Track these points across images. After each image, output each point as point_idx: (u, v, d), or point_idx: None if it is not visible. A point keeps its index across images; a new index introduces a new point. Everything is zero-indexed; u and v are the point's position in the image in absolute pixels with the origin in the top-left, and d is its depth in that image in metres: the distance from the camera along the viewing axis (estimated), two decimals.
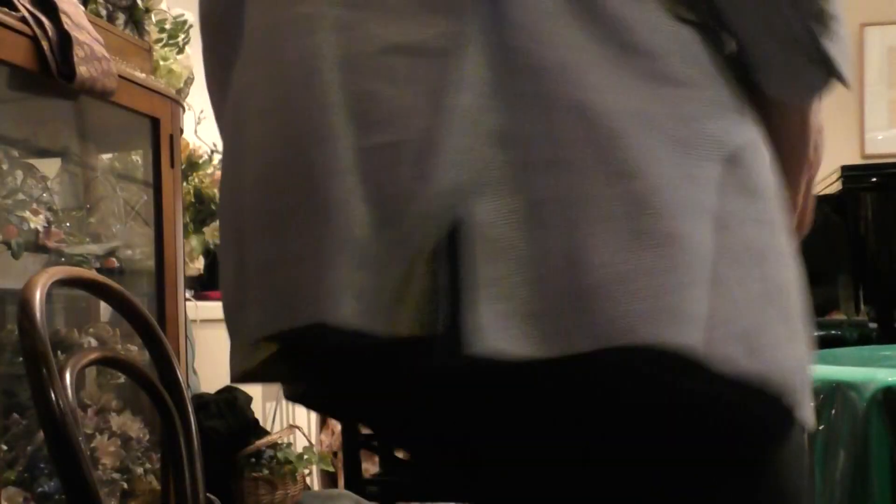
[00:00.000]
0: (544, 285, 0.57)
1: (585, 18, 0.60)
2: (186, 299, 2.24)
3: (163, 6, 2.18)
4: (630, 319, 0.56)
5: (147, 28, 2.09)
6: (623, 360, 0.57)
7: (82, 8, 1.74)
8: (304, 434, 3.03)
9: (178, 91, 2.18)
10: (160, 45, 2.21)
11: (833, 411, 1.45)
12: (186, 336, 2.11)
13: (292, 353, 0.68)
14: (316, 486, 3.44)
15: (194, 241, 2.71)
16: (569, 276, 0.56)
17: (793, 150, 0.74)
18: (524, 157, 0.59)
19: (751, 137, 0.64)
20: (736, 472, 0.63)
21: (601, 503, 0.64)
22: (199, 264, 2.77)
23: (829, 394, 1.46)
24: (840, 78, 0.67)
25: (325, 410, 0.83)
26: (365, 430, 3.17)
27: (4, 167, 1.73)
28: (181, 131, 2.10)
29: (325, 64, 0.63)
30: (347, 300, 0.59)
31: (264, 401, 3.14)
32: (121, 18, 2.00)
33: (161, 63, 2.17)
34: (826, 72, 0.66)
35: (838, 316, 2.63)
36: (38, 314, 1.06)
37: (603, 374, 0.58)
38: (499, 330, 0.57)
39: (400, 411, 0.70)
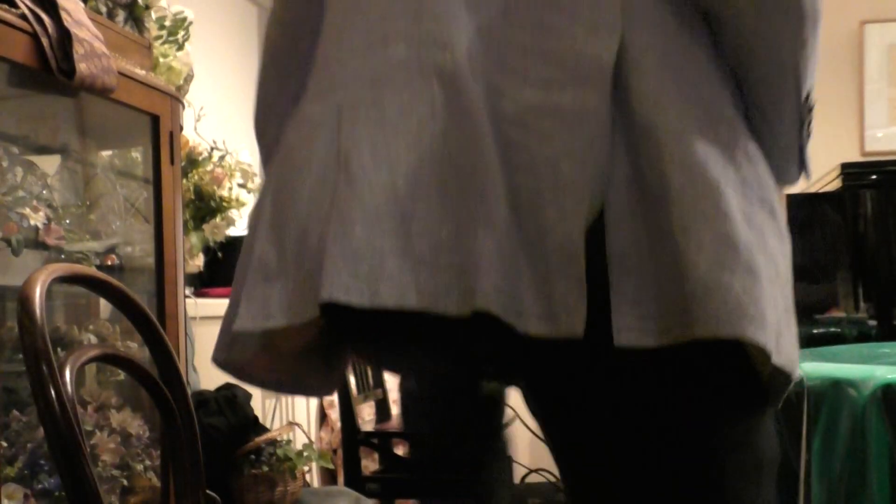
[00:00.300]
0: (660, 293, 0.77)
1: (685, 97, 0.80)
2: (186, 296, 2.24)
3: (162, 3, 2.18)
4: (719, 319, 0.76)
5: (147, 25, 2.09)
6: (703, 350, 0.77)
7: (82, 5, 1.74)
8: (303, 431, 3.04)
9: (178, 88, 2.18)
10: (160, 41, 2.21)
11: (832, 408, 1.45)
12: (186, 333, 2.11)
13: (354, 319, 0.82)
14: (315, 484, 3.44)
15: (194, 239, 2.71)
16: (676, 286, 0.77)
17: None
18: (642, 196, 0.79)
19: (776, 198, 0.86)
20: (753, 423, 0.89)
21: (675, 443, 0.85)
22: (198, 261, 2.77)
23: (829, 390, 1.46)
24: (808, 176, 0.95)
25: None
26: (365, 428, 3.18)
27: (4, 164, 1.73)
28: (181, 128, 2.10)
29: (476, 110, 0.80)
30: (494, 294, 0.77)
31: (264, 398, 3.15)
32: (121, 15, 2.00)
33: (161, 60, 2.16)
34: (802, 172, 0.94)
35: (838, 313, 2.63)
36: (38, 311, 1.06)
37: (689, 360, 0.80)
38: (633, 328, 0.77)
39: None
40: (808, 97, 0.90)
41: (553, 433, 0.92)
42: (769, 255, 0.81)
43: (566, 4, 0.81)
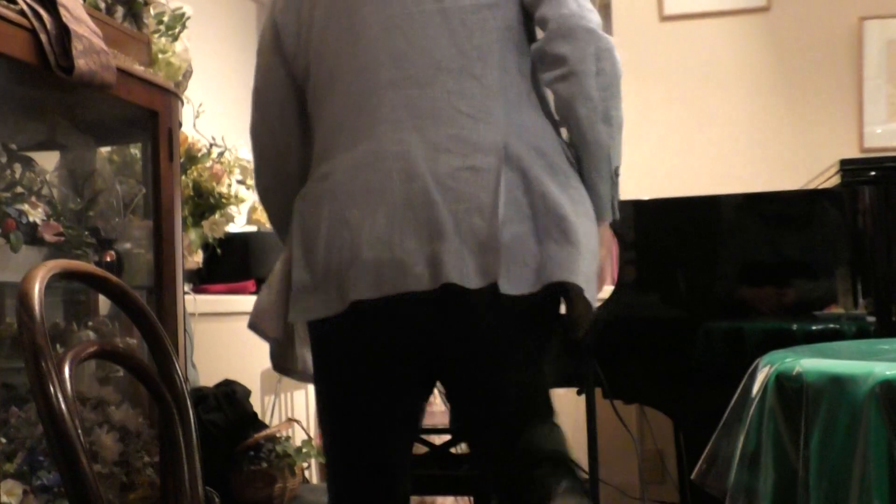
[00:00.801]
0: (534, 263, 1.45)
1: (542, 158, 1.51)
2: (185, 293, 2.24)
3: None
4: (562, 273, 1.45)
5: (146, 21, 2.08)
6: (550, 290, 1.47)
7: (81, 1, 1.74)
8: (302, 427, 3.04)
9: (177, 84, 2.18)
10: (157, 35, 2.20)
11: (830, 404, 1.45)
12: (185, 330, 2.11)
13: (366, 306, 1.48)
14: (314, 480, 3.44)
15: (193, 235, 2.71)
16: (543, 259, 1.45)
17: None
18: (533, 211, 1.46)
19: (594, 214, 1.59)
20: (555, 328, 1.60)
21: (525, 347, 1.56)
22: (197, 258, 2.77)
23: (827, 387, 1.46)
24: (616, 217, 1.62)
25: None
26: None
27: (3, 160, 1.73)
28: (180, 124, 2.10)
29: (422, 174, 1.46)
30: (455, 271, 1.42)
31: (263, 394, 3.15)
32: (119, 11, 2.00)
33: (160, 56, 2.16)
34: (613, 217, 1.62)
35: (836, 309, 2.64)
36: (37, 307, 1.06)
37: (546, 294, 1.48)
38: (521, 282, 1.44)
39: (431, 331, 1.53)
40: (616, 168, 1.59)
41: (467, 375, 1.56)
42: (590, 240, 1.51)
43: (473, 113, 1.50)
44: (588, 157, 1.55)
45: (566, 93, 1.51)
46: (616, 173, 1.57)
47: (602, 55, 1.51)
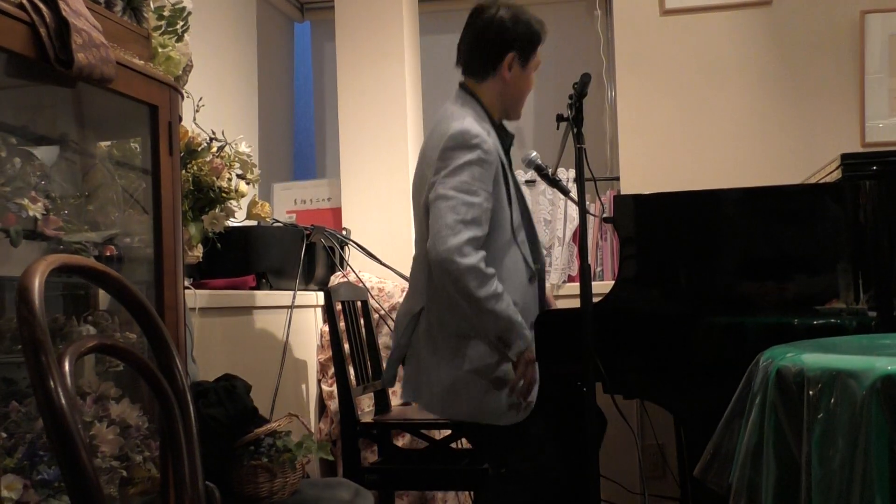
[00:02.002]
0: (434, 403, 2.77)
1: (439, 326, 2.67)
2: (185, 287, 2.24)
3: None
4: (442, 412, 2.74)
5: (145, 15, 2.08)
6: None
7: None
8: (303, 422, 3.03)
9: (177, 78, 2.18)
10: (159, 32, 2.20)
11: (832, 400, 1.45)
12: (185, 324, 2.11)
13: None
14: (315, 475, 3.44)
15: (193, 229, 2.71)
16: (429, 403, 2.76)
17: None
18: (429, 357, 2.68)
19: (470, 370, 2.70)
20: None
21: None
22: (197, 252, 2.76)
23: (828, 382, 1.46)
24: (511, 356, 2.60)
25: None
26: (364, 420, 3.18)
27: (3, 154, 1.72)
28: (180, 119, 2.09)
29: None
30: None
31: (263, 389, 3.14)
32: (119, 5, 1.99)
33: (160, 50, 2.16)
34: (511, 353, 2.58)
35: (838, 304, 2.63)
36: (36, 302, 1.06)
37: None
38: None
39: None
40: (497, 335, 2.51)
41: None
42: (447, 392, 2.61)
43: (413, 284, 2.77)
44: (471, 330, 2.56)
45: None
46: (497, 336, 2.50)
47: (442, 275, 2.48)
